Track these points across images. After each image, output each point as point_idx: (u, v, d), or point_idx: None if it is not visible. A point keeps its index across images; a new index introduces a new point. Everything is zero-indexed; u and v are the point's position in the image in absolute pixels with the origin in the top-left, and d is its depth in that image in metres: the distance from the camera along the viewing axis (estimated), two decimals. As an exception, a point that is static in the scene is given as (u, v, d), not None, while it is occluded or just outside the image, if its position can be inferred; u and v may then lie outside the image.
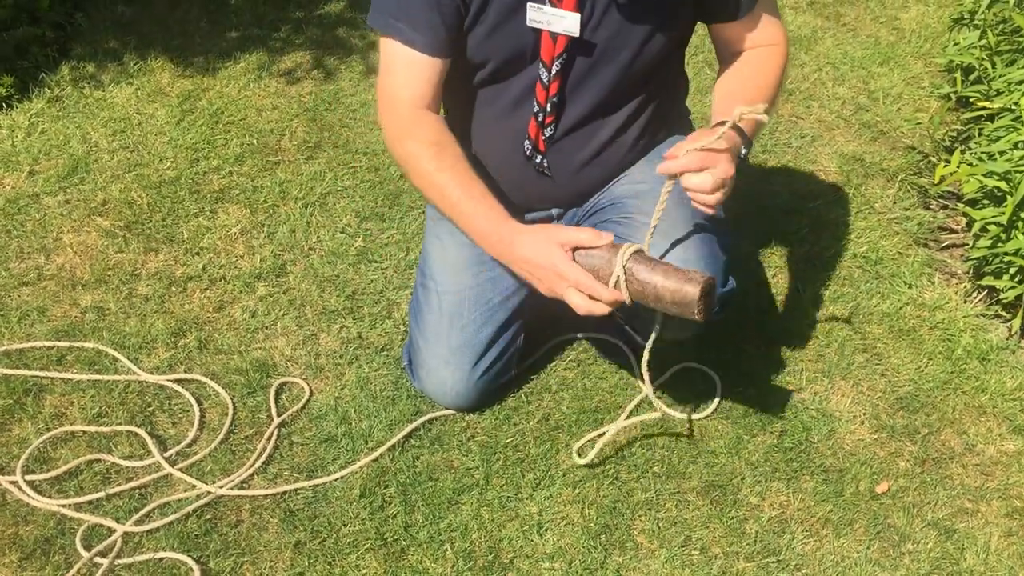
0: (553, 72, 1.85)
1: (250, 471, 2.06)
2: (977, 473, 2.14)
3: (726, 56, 2.01)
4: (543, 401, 2.26)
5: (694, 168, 1.67)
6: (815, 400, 2.27)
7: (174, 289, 2.45)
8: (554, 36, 1.80)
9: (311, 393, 2.24)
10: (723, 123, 1.68)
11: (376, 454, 2.11)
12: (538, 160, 1.99)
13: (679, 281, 1.68)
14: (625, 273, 1.70)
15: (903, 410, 2.26)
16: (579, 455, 2.11)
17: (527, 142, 1.96)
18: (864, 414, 2.25)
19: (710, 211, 1.72)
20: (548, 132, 1.94)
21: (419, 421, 2.17)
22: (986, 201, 2.58)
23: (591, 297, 1.72)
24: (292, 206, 2.70)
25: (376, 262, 2.56)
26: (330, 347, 2.34)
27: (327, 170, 2.82)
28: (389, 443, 2.12)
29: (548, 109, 1.91)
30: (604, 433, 2.11)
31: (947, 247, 2.77)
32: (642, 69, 1.89)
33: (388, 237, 2.63)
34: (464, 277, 2.12)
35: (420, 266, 2.23)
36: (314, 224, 2.65)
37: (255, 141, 2.91)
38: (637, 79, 1.91)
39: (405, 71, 1.88)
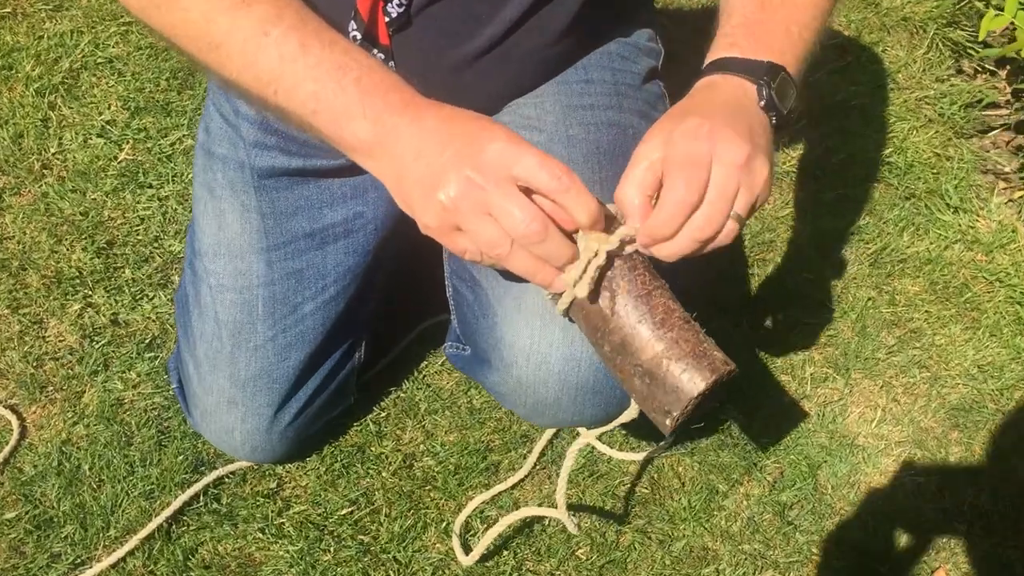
0: None
1: (-101, 601, 1.21)
2: (1076, 543, 1.38)
3: None
4: (404, 433, 1.42)
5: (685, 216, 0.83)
6: (825, 416, 1.47)
7: None
8: None
9: (23, 432, 1.38)
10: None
11: (123, 552, 1.28)
12: (376, 58, 1.06)
13: (684, 348, 0.83)
14: (597, 270, 0.83)
15: (957, 429, 1.47)
16: (462, 545, 1.29)
17: (353, 24, 1.03)
18: (901, 438, 1.46)
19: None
20: (395, 9, 1.01)
21: (198, 485, 1.33)
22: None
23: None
24: (22, 92, 1.73)
25: (152, 187, 1.63)
26: (63, 344, 1.46)
27: (83, 29, 1.83)
28: (146, 530, 1.29)
29: (391, -40, 0.98)
30: (489, 506, 1.30)
31: (991, 129, 1.92)
32: None
33: (173, 142, 1.69)
34: (253, 264, 1.23)
35: (188, 234, 1.33)
36: (55, 123, 1.70)
37: (-28, -19, 1.89)
38: None
39: None
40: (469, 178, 0.79)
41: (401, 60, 1.04)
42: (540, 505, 1.37)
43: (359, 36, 1.02)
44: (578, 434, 1.37)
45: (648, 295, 0.84)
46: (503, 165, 0.78)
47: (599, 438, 1.37)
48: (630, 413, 0.95)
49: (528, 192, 0.80)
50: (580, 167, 1.08)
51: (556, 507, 1.12)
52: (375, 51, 1.04)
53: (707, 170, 0.81)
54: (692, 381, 0.81)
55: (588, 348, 1.03)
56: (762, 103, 0.89)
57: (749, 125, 0.85)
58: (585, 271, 0.82)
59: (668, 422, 0.84)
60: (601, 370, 1.05)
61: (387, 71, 0.86)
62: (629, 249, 0.84)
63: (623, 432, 1.42)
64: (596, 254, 0.82)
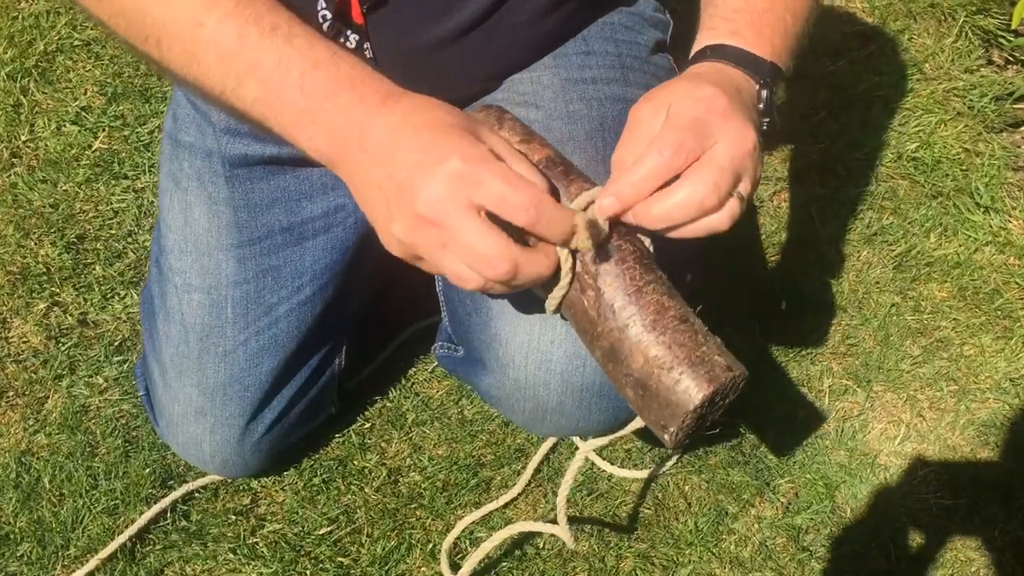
0: None
1: None
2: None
3: None
4: (389, 446, 1.32)
5: (659, 181, 0.72)
6: (844, 432, 1.36)
7: None
8: None
9: (-19, 442, 1.28)
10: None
11: (83, 572, 1.19)
12: (350, 42, 0.96)
13: (678, 355, 0.72)
14: (582, 265, 0.74)
15: (988, 447, 1.36)
16: (451, 565, 1.19)
17: (322, 2, 0.92)
18: (927, 456, 1.35)
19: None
20: None
21: (166, 500, 1.24)
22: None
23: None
24: (-6, 76, 1.64)
25: (127, 177, 1.54)
26: (27, 345, 1.36)
27: (61, 10, 1.74)
28: (108, 549, 1.20)
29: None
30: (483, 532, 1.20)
31: (1022, 123, 1.81)
32: None
33: (152, 130, 1.59)
34: (222, 262, 1.13)
35: (155, 229, 1.23)
36: (28, 109, 1.60)
37: (-55, -42, 1.80)
38: None
39: None
40: (419, 215, 0.68)
41: (377, 40, 0.94)
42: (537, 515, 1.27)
43: (329, 15, 0.91)
44: (577, 448, 1.27)
45: (638, 292, 0.73)
46: (459, 194, 0.67)
47: (603, 451, 1.27)
48: (640, 420, 0.84)
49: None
50: (583, 144, 0.98)
51: (554, 523, 1.02)
52: (348, 32, 0.93)
53: (704, 144, 0.71)
54: (687, 393, 0.71)
55: None
56: (760, 106, 0.81)
57: (754, 122, 0.76)
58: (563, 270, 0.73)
59: (667, 437, 0.74)
60: None
61: (336, 61, 0.74)
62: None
63: (625, 447, 1.32)
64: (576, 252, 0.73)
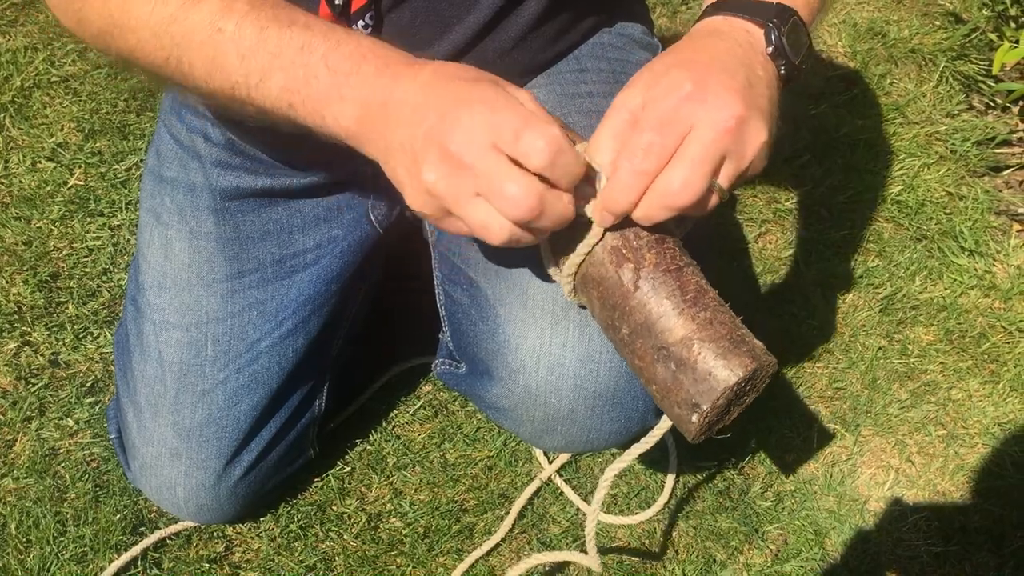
0: None
1: None
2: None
3: None
4: (369, 491, 1.29)
5: (640, 189, 0.72)
6: (833, 477, 1.34)
7: None
8: None
9: (-55, 487, 1.23)
10: None
11: (47, 623, 1.13)
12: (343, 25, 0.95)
13: (719, 331, 0.72)
14: (622, 239, 0.76)
15: (978, 494, 1.34)
16: (425, 616, 1.15)
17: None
18: (917, 503, 1.33)
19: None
20: (366, 21, 0.91)
21: (136, 548, 1.19)
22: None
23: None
24: (-32, 111, 1.61)
25: (103, 215, 1.51)
26: (-4, 387, 1.32)
27: (39, 46, 1.71)
28: (74, 599, 1.15)
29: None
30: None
31: (1004, 168, 1.81)
32: None
33: (129, 167, 1.57)
34: (202, 298, 1.10)
35: (132, 266, 1.20)
36: (2, 145, 1.57)
37: (-78, -7, 1.78)
38: None
39: None
40: (450, 155, 0.68)
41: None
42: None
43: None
44: (561, 489, 1.24)
45: (679, 271, 0.74)
46: (485, 137, 0.67)
47: (587, 496, 1.24)
48: (654, 436, 0.82)
49: None
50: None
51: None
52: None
53: (680, 135, 0.70)
54: (729, 367, 0.70)
55: (607, 348, 0.92)
56: (770, 49, 0.77)
57: (747, 80, 0.73)
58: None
59: (694, 419, 0.71)
60: (622, 375, 0.94)
61: (357, 39, 0.75)
62: None
63: (611, 493, 1.29)
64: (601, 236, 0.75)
